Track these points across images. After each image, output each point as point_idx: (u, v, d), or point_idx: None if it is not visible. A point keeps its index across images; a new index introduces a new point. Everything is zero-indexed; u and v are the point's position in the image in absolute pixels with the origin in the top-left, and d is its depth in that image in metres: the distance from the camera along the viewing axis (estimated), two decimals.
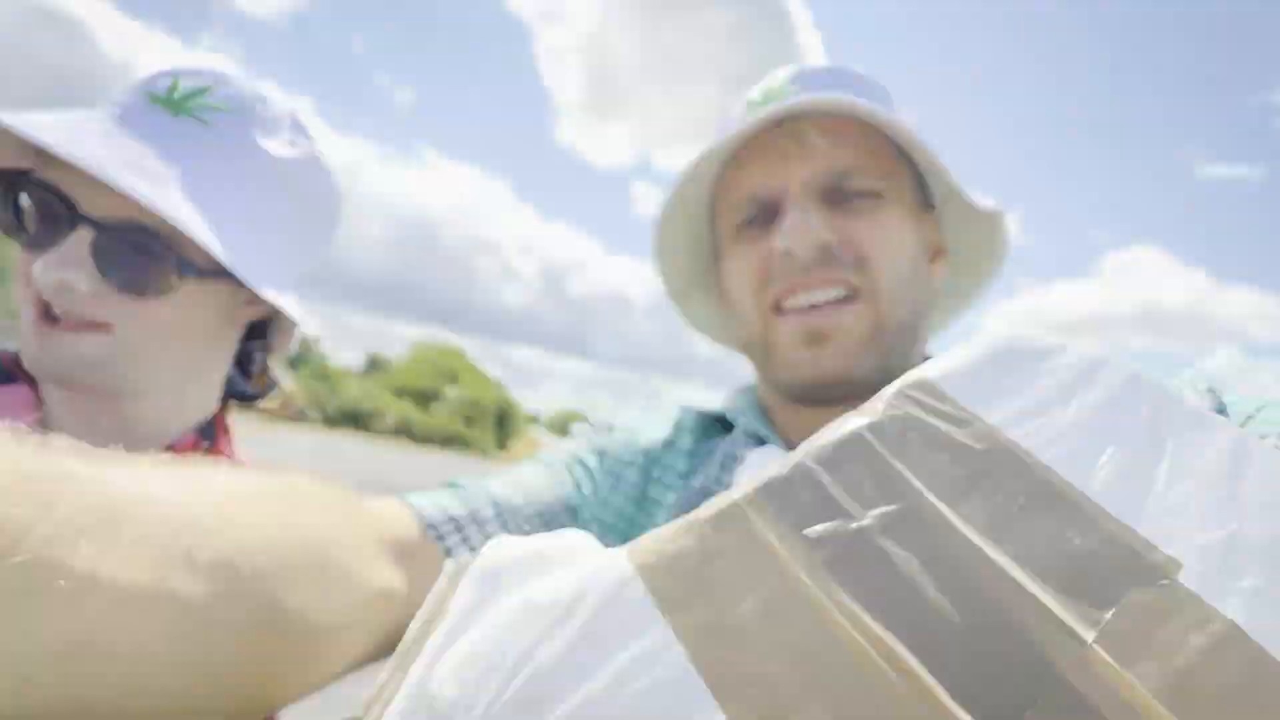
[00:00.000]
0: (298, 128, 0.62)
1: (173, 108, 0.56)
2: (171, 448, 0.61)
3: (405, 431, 23.51)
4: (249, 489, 0.33)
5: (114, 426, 0.59)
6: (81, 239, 0.52)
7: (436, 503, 0.47)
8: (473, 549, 0.45)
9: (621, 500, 0.51)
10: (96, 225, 0.52)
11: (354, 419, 22.22)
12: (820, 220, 0.46)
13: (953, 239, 0.55)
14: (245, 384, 0.75)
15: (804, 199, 0.47)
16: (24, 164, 0.54)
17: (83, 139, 0.50)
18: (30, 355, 0.54)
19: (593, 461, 0.53)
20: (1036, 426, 0.19)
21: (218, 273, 0.56)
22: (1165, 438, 0.18)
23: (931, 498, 0.18)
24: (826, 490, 0.18)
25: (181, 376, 0.61)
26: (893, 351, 0.48)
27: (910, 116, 0.53)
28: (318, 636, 0.33)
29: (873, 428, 0.20)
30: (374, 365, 31.64)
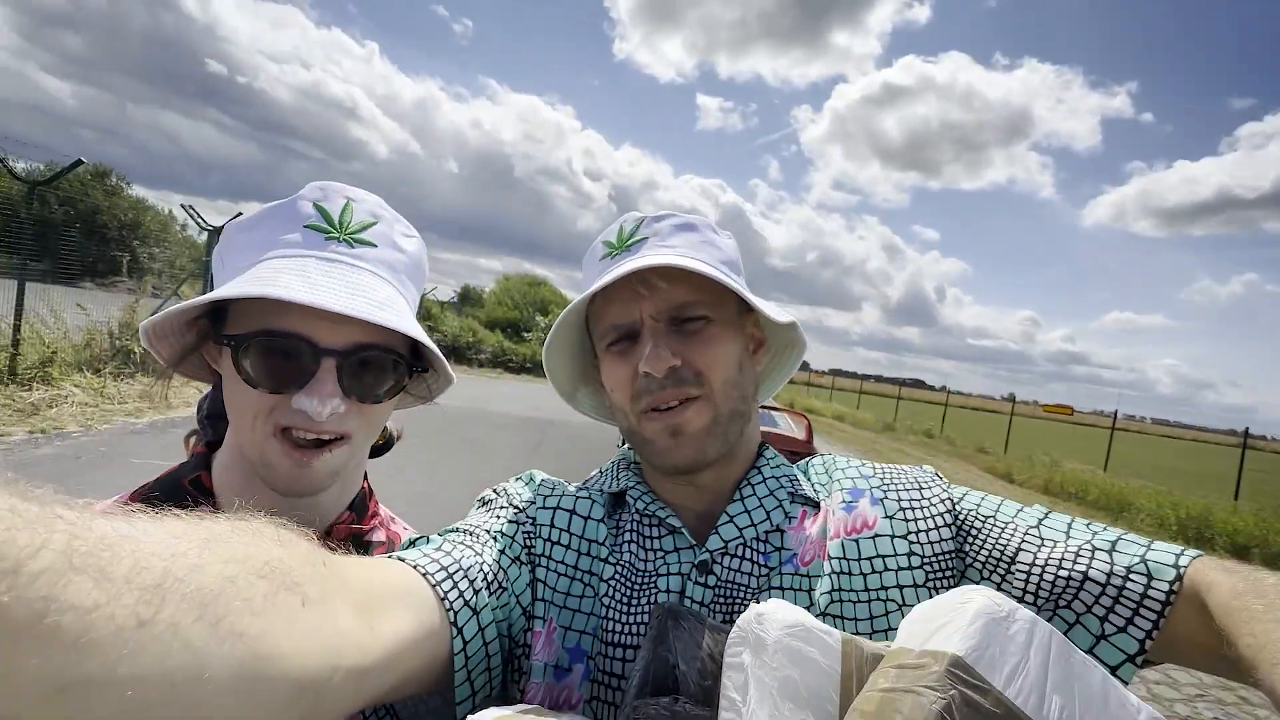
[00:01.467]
0: (398, 216, 0.70)
1: (347, 239, 0.64)
2: (330, 530, 0.69)
3: (500, 362, 24.72)
4: (226, 530, 0.34)
5: (286, 515, 0.68)
6: (328, 368, 0.59)
7: (426, 555, 0.55)
8: (463, 596, 0.54)
9: (561, 570, 0.64)
10: (338, 353, 0.59)
11: (454, 352, 23.60)
12: (668, 346, 0.63)
13: (770, 331, 0.74)
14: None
15: (655, 330, 0.65)
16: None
17: (324, 289, 0.57)
18: (281, 478, 0.61)
19: (536, 531, 0.66)
20: (1018, 687, 0.36)
21: (419, 368, 0.68)
22: (1068, 681, 0.38)
23: None
24: None
25: (360, 461, 0.68)
26: (729, 431, 0.66)
27: (730, 244, 0.71)
28: (302, 678, 0.33)
29: (947, 709, 0.34)
30: (466, 298, 33.04)
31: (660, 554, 0.65)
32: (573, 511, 0.68)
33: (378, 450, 0.82)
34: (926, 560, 0.62)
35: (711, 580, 0.63)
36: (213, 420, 0.71)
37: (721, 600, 0.62)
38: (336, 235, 0.62)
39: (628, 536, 0.67)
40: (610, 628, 0.62)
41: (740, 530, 0.65)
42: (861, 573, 0.61)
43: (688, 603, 0.61)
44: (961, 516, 0.65)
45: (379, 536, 0.76)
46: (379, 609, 0.44)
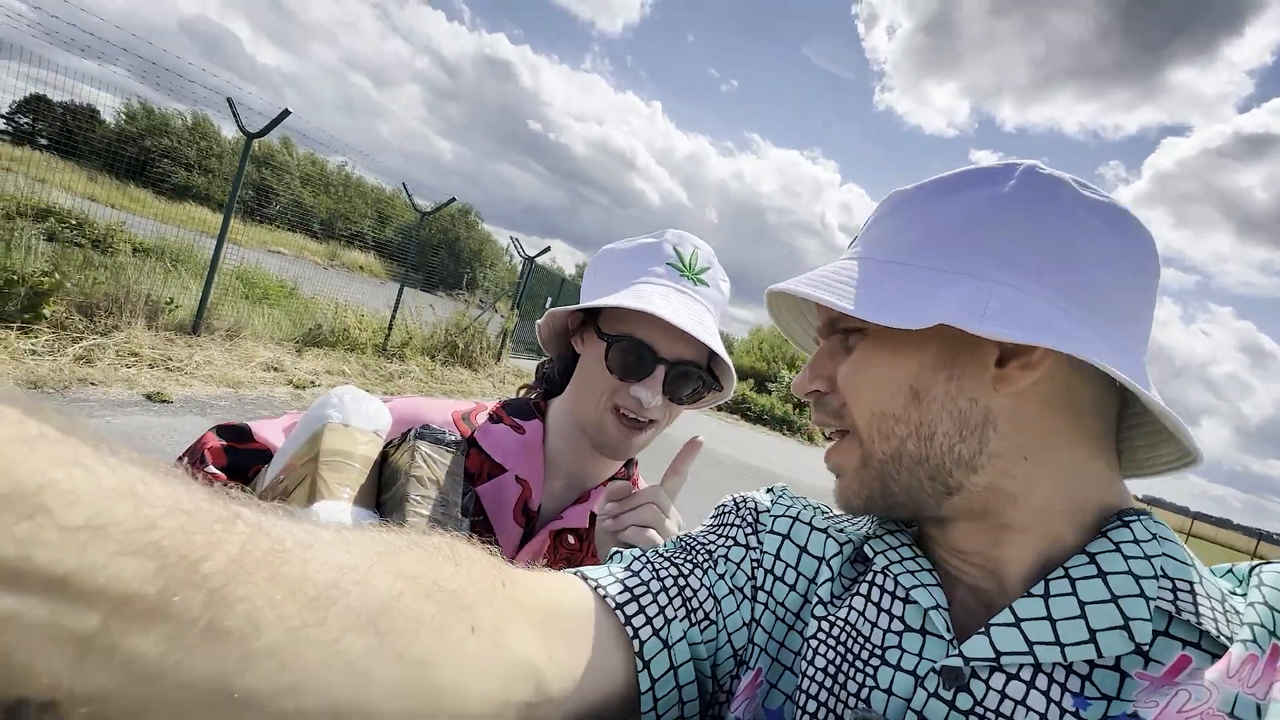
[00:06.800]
0: (719, 264, 0.90)
1: (693, 278, 0.85)
2: (613, 479, 0.93)
3: (739, 409, 25.06)
4: (402, 544, 0.33)
5: (587, 465, 0.89)
6: (659, 373, 0.80)
7: (611, 575, 0.51)
8: (651, 624, 0.48)
9: (780, 614, 0.54)
10: (669, 364, 0.81)
11: None
12: (819, 365, 0.53)
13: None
14: None
15: (821, 343, 0.55)
16: (621, 328, 0.82)
17: (681, 315, 0.77)
18: (609, 441, 0.83)
19: (761, 559, 0.56)
20: None
21: (716, 386, 0.87)
22: None
23: None
24: None
25: None
26: (897, 483, 0.49)
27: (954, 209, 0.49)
28: (465, 710, 0.32)
29: None
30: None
31: (896, 630, 0.47)
32: (803, 548, 0.55)
33: None
34: None
35: (965, 702, 0.42)
36: (549, 380, 0.98)
37: None
38: (688, 275, 0.85)
39: (863, 590, 0.51)
40: (807, 703, 0.48)
41: (1031, 645, 0.41)
42: None
43: None
44: None
45: None
46: (559, 634, 0.41)
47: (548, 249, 12.72)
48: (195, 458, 0.74)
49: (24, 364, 4.45)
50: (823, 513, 0.60)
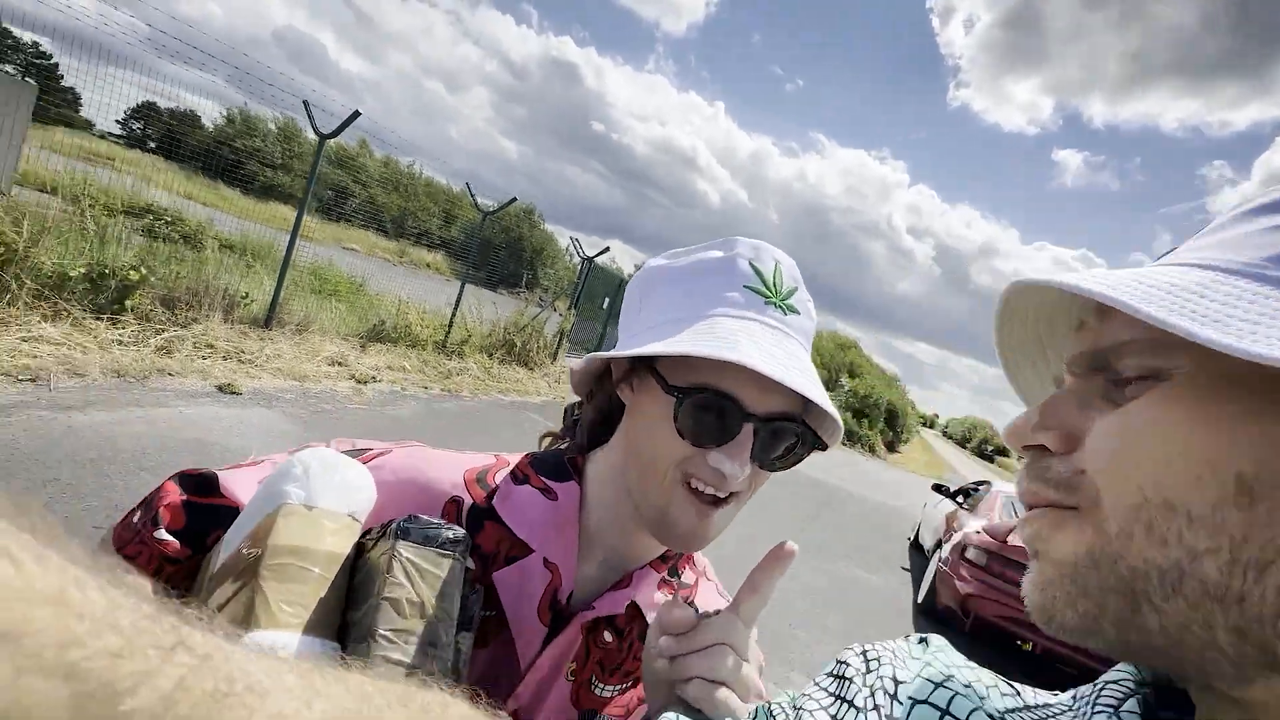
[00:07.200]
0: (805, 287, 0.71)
1: (781, 305, 0.64)
2: (661, 558, 0.73)
3: None
4: (388, 699, 0.28)
5: (632, 542, 0.69)
6: (747, 433, 0.60)
7: None
8: None
9: None
10: (759, 420, 0.60)
11: None
12: (1059, 410, 0.35)
13: None
14: None
15: (1067, 382, 0.37)
16: (698, 379, 0.60)
17: (777, 361, 0.57)
18: (682, 532, 0.62)
19: None
20: None
21: (818, 443, 0.65)
22: None
23: None
24: None
25: None
26: (1164, 604, 0.29)
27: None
28: None
29: None
30: None
31: None
32: None
33: None
34: None
35: None
36: (580, 431, 0.77)
37: None
38: (774, 301, 0.64)
39: None
40: None
41: None
42: None
43: None
44: None
45: (688, 578, 0.77)
46: None
47: (606, 249, 12.76)
48: (149, 514, 0.61)
49: (110, 353, 4.72)
50: (998, 694, 0.39)
